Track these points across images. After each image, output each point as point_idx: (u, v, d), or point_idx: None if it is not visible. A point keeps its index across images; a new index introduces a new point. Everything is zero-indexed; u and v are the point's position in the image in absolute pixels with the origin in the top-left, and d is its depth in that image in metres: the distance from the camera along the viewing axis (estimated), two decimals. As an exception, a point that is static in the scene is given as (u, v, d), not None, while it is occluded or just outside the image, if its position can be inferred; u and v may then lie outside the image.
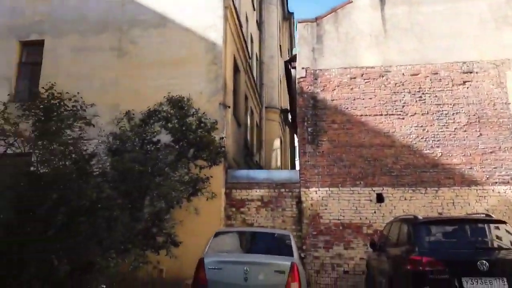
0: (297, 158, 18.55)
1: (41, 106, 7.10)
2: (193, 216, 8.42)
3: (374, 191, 9.65)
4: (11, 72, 11.01)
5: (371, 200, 9.61)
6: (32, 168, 5.37)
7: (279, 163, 20.97)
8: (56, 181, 4.99)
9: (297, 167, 18.22)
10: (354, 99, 10.30)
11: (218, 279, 4.98)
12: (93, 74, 10.61)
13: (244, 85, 14.61)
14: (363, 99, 10.27)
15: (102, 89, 10.36)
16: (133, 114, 8.41)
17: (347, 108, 10.26)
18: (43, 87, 7.29)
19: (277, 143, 20.62)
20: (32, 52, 11.38)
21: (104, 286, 7.22)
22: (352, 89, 10.39)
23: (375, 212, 9.53)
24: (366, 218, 9.51)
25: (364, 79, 10.40)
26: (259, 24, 19.84)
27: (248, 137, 15.48)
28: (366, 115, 10.14)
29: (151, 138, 8.50)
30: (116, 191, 5.28)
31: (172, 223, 7.90)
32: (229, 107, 11.01)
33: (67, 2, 11.27)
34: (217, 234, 6.18)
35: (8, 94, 9.37)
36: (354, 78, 10.45)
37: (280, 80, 22.31)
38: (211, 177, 8.45)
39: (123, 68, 10.68)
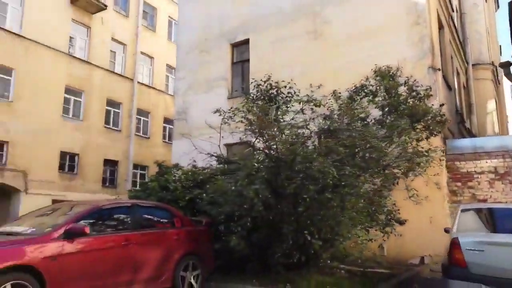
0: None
1: (262, 97, 7.86)
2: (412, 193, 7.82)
3: None
4: (227, 72, 12.69)
5: None
6: (272, 152, 5.92)
7: (496, 128, 17.69)
8: (294, 162, 5.33)
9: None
10: None
11: (481, 262, 4.36)
12: (293, 60, 11.13)
13: (449, 43, 12.78)
14: None
15: (303, 74, 10.71)
16: (339, 93, 8.36)
17: None
18: (261, 79, 8.02)
19: (491, 105, 17.42)
20: (240, 52, 12.80)
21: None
22: None
23: None
24: None
25: None
26: (455, -32, 16.98)
27: (457, 101, 13.54)
28: None
29: (359, 115, 8.31)
30: (355, 168, 5.28)
31: (393, 200, 7.55)
32: (439, 69, 9.78)
33: (263, -2, 12.12)
34: (463, 211, 5.47)
35: (236, 90, 10.66)
36: None
37: (488, 31, 18.67)
38: (438, 149, 7.59)
39: (320, 50, 10.82)
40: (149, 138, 21.81)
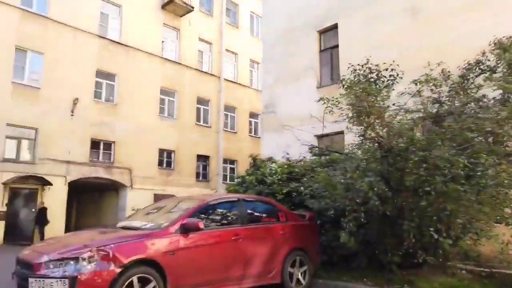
0: None
1: (360, 83, 7.30)
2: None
3: None
4: (315, 61, 12.25)
5: None
6: (383, 141, 5.40)
7: None
8: (409, 151, 4.79)
9: None
10: None
11: None
12: (388, 42, 10.27)
13: None
14: None
15: (401, 55, 9.75)
16: (449, 72, 7.45)
17: None
18: (358, 64, 7.46)
19: None
20: (328, 38, 12.25)
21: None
22: None
23: None
24: None
25: None
26: None
27: None
28: None
29: (473, 95, 7.31)
30: (491, 154, 4.56)
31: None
32: None
33: (354, -21, 11.37)
34: None
35: (332, 78, 10.18)
36: None
37: None
38: None
39: (420, 27, 9.81)
40: (236, 133, 22.33)
